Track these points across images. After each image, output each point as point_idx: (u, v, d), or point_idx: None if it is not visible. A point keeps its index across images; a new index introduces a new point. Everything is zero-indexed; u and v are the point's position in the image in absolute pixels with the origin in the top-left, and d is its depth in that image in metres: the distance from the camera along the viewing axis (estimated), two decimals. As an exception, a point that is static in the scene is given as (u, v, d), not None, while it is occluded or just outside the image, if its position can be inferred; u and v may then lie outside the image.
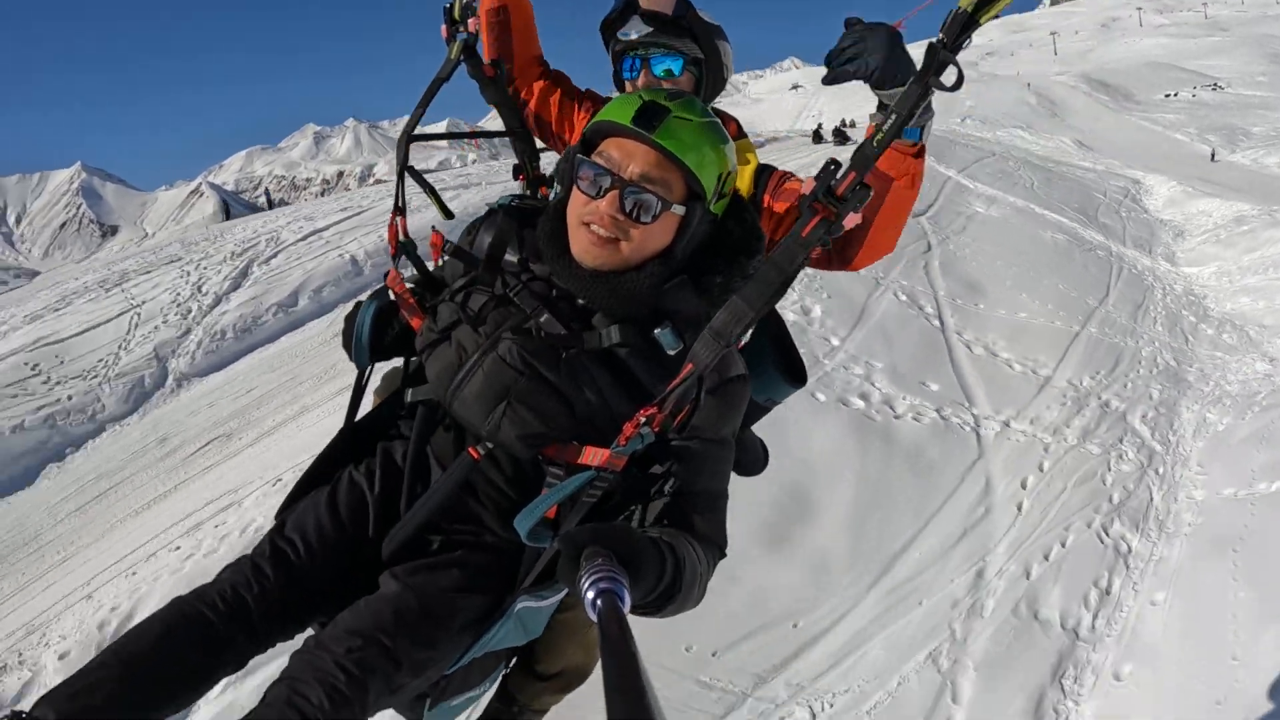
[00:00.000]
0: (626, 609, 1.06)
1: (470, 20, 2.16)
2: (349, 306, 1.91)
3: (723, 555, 1.60)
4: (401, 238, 1.96)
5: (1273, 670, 4.39)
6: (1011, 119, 31.50)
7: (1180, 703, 4.42)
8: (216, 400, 7.76)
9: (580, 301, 1.63)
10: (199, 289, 9.88)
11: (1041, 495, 6.42)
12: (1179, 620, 5.12)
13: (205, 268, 10.48)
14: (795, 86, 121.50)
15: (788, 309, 8.40)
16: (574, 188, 1.61)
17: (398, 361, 2.02)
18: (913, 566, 5.41)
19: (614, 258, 1.58)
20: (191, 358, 8.51)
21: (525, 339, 1.59)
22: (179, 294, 9.75)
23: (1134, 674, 4.75)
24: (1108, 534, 6.12)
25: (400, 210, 1.99)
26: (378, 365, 1.96)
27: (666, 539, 1.39)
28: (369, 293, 1.85)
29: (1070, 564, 5.68)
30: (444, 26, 2.19)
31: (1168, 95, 55.94)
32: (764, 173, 2.23)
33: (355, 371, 1.96)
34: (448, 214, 2.23)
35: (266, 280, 10.13)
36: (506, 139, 2.40)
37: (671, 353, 1.57)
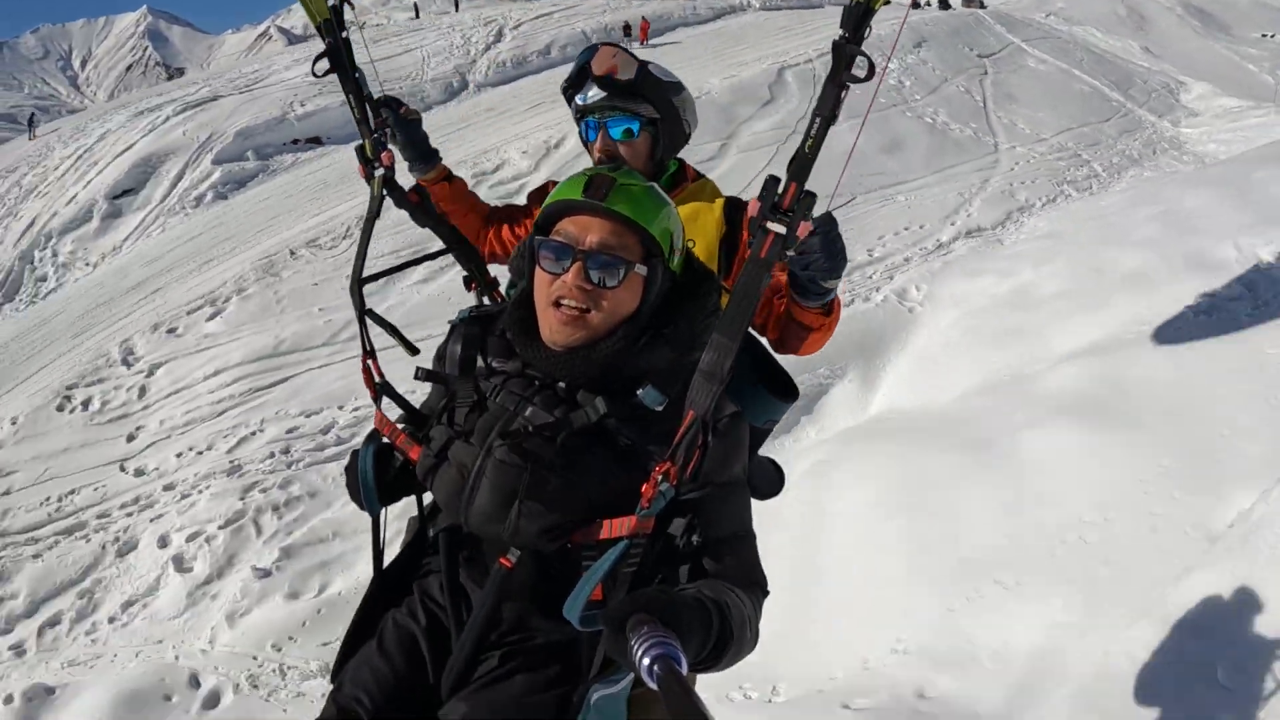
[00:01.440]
0: (684, 669, 1.08)
1: (384, 154, 2.17)
2: (347, 458, 1.87)
3: (765, 593, 1.61)
4: (377, 379, 1.96)
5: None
6: (1094, 21, 34.28)
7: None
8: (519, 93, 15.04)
9: (560, 384, 1.64)
10: (469, 40, 16.97)
11: (1027, 171, 13.45)
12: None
13: (463, 33, 17.58)
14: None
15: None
16: (537, 269, 1.63)
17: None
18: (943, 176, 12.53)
19: (584, 331, 1.59)
20: (484, 74, 15.69)
21: (516, 437, 1.58)
22: (454, 43, 16.91)
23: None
24: (1059, 186, 13.16)
25: (370, 353, 1.99)
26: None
27: (707, 591, 1.41)
28: (364, 439, 1.84)
29: (1033, 185, 12.75)
30: (360, 167, 2.22)
31: (1264, 35, 58.91)
32: (736, 209, 2.24)
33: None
34: (412, 350, 2.24)
35: (522, 38, 17.21)
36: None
37: (658, 409, 1.58)
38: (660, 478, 1.49)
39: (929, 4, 33.44)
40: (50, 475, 9.37)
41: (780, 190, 1.55)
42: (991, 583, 4.15)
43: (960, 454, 5.24)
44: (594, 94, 2.23)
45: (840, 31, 1.54)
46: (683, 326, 1.67)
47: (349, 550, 6.67)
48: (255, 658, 6.25)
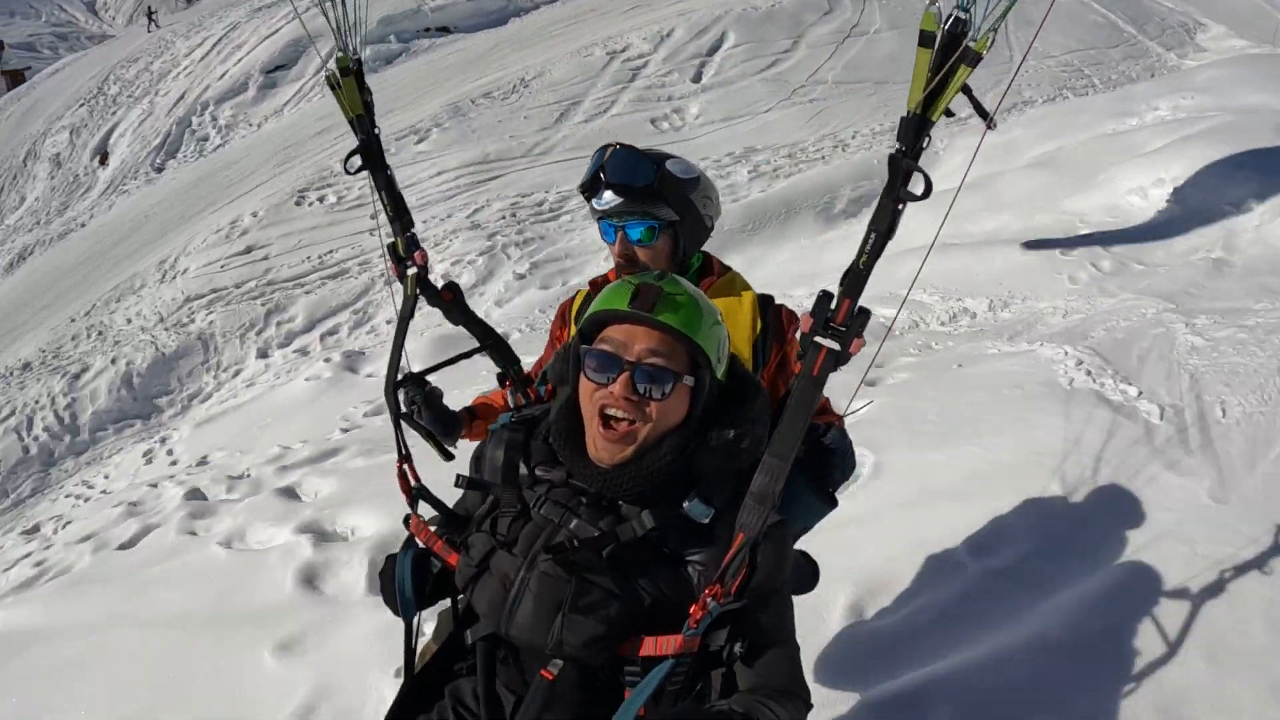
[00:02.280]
0: None
1: (416, 253, 2.17)
2: (380, 562, 1.93)
3: (808, 706, 1.61)
4: (413, 484, 1.98)
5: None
6: None
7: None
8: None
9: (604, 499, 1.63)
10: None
11: (1034, 77, 17.26)
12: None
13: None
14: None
15: None
16: (582, 377, 1.62)
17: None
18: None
19: (631, 447, 1.58)
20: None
21: (562, 551, 1.58)
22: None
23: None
24: (1060, 91, 16.98)
25: (405, 457, 2.00)
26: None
27: (738, 709, 1.43)
28: (401, 544, 1.86)
29: (1037, 88, 16.62)
30: (392, 265, 2.21)
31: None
32: (766, 305, 2.27)
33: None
34: (447, 456, 2.23)
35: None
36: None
37: (704, 521, 1.58)
38: (709, 599, 1.51)
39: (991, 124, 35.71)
40: (305, 244, 13.45)
41: (834, 306, 1.55)
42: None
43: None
44: (609, 199, 2.20)
45: (897, 145, 1.49)
46: (729, 435, 1.63)
47: (581, 262, 10.83)
48: (520, 329, 10.02)
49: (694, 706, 1.53)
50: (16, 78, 56.09)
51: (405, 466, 2.00)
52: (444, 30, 22.41)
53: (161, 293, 14.45)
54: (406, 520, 1.85)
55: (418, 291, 2.19)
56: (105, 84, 29.43)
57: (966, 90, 1.51)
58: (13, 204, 28.16)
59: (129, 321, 14.17)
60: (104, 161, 25.92)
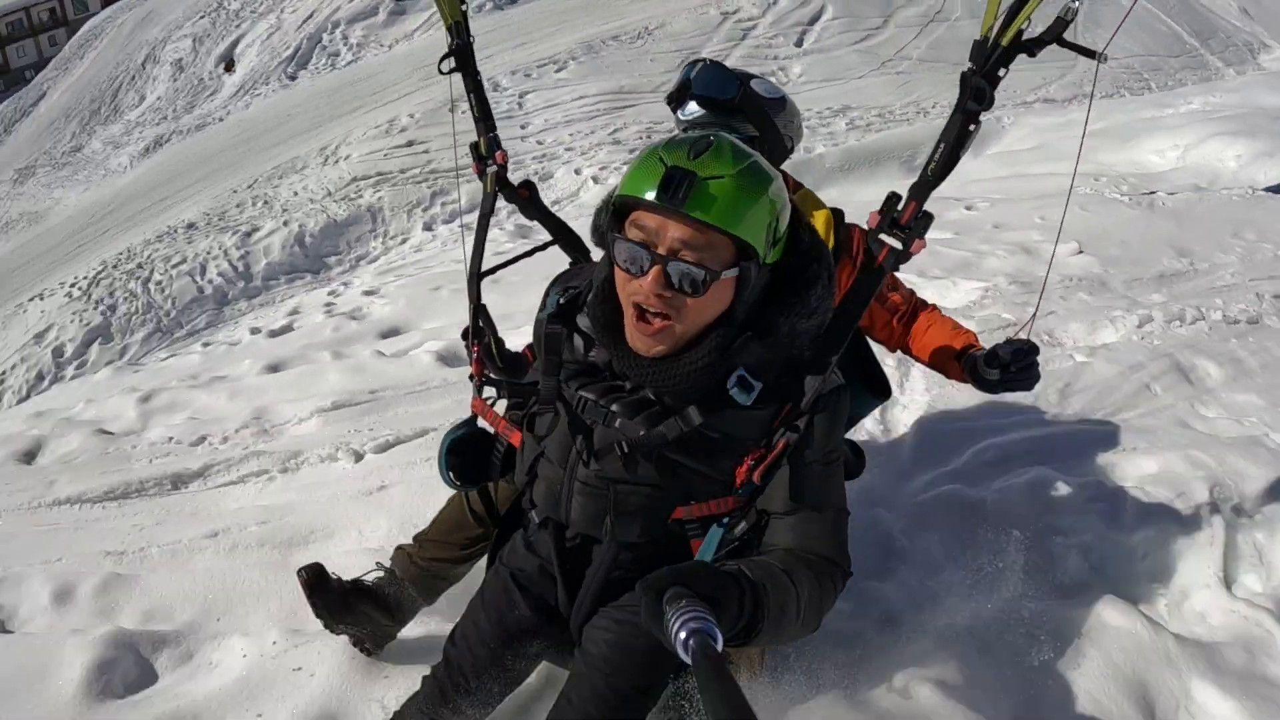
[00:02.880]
0: (719, 646, 1.10)
1: (497, 153, 2.24)
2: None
3: (846, 574, 1.61)
4: (491, 375, 2.05)
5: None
6: None
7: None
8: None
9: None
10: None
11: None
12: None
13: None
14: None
15: None
16: (614, 267, 1.53)
17: None
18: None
19: (668, 343, 1.52)
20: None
21: (602, 458, 1.61)
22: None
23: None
24: (1117, 89, 19.41)
25: (479, 341, 2.06)
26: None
27: (749, 570, 1.40)
28: (462, 422, 1.98)
29: (1097, 84, 19.14)
30: (474, 164, 2.28)
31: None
32: (840, 225, 2.29)
33: None
34: (498, 368, 2.21)
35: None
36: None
37: (747, 405, 1.55)
38: (753, 463, 1.57)
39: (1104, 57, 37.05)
40: (462, 143, 15.96)
41: (900, 207, 1.62)
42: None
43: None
44: (692, 110, 2.29)
45: (969, 64, 1.59)
46: (782, 327, 1.57)
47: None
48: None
49: (704, 563, 1.48)
50: (115, -11, 59.47)
51: (478, 352, 2.00)
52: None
53: (326, 173, 17.20)
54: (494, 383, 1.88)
55: (496, 189, 2.25)
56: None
57: (1064, 43, 1.58)
58: (132, 102, 31.13)
59: (295, 194, 16.87)
60: (229, 69, 28.68)
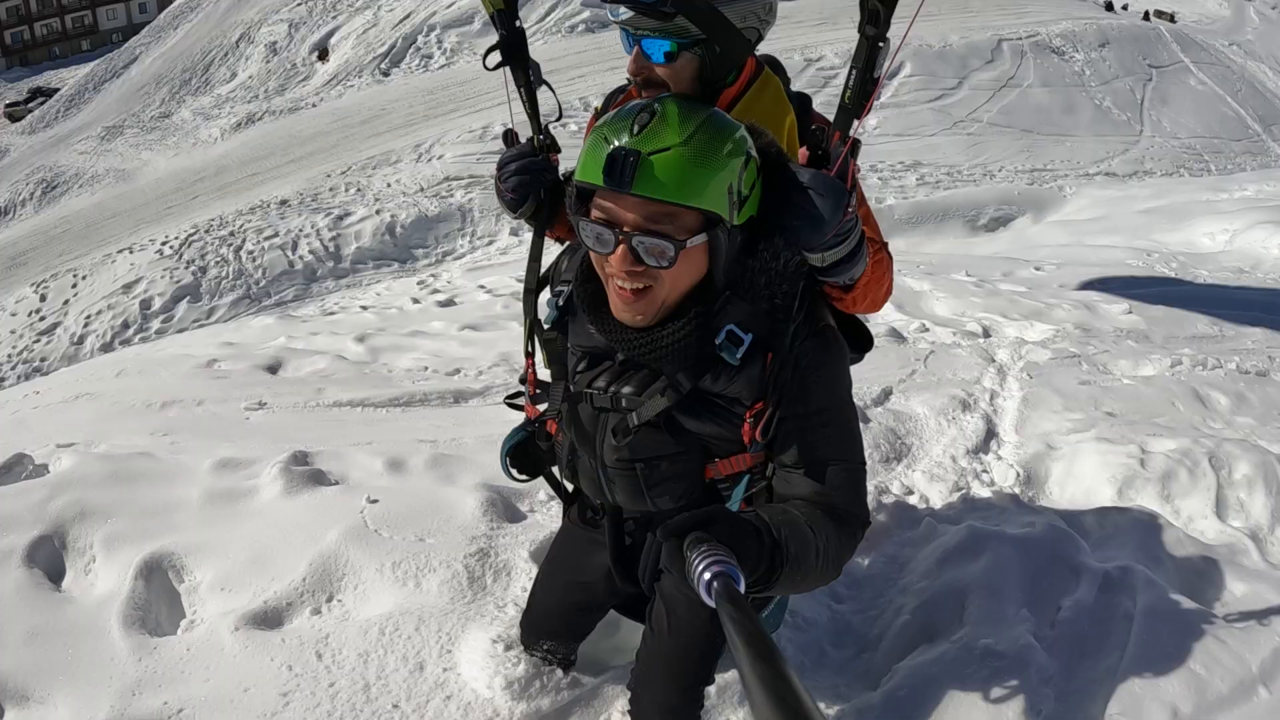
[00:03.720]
0: (741, 588, 1.13)
1: (553, 156, 2.04)
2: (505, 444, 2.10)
3: (864, 524, 1.65)
4: (535, 381, 2.02)
5: None
6: (1274, 61, 37.15)
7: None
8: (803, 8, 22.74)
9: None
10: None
11: (1157, 152, 20.80)
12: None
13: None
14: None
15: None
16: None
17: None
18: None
19: (648, 311, 1.53)
20: None
21: (619, 438, 1.68)
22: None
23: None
24: (1177, 168, 20.53)
25: (531, 355, 2.01)
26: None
27: (768, 516, 1.43)
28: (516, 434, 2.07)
29: (1158, 161, 20.23)
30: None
31: None
32: (807, 112, 2.07)
33: None
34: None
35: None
36: None
37: (736, 362, 1.56)
38: (753, 418, 1.60)
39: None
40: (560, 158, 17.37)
41: (823, 139, 1.59)
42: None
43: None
44: (623, 13, 1.89)
45: None
46: (758, 277, 1.55)
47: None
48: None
49: (723, 508, 1.41)
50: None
51: (530, 364, 2.00)
52: None
53: (420, 169, 18.56)
54: (521, 406, 2.04)
55: (545, 198, 1.99)
56: (326, -12, 33.62)
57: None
58: (223, 77, 32.87)
59: (388, 185, 18.18)
60: (323, 58, 30.36)
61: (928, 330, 5.96)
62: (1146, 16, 37.07)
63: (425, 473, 3.31)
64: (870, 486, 3.33)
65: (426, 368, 4.95)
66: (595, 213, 1.50)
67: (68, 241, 19.17)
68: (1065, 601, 2.52)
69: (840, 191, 1.56)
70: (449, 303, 7.66)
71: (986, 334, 5.86)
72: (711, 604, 1.09)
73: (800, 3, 27.85)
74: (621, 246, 1.47)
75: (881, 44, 1.54)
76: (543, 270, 1.99)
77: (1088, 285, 7.67)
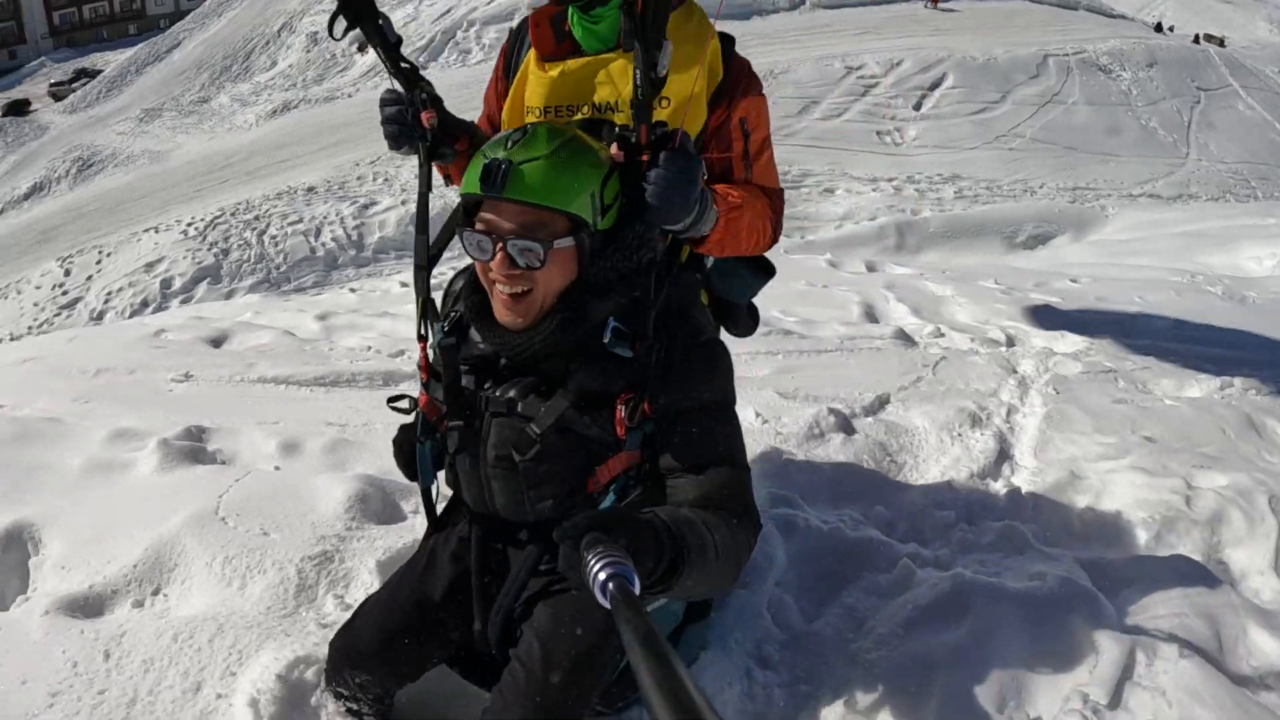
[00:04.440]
0: (637, 590, 1.12)
1: (423, 114, 1.88)
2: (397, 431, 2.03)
3: (757, 527, 1.66)
4: (434, 368, 1.90)
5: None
6: None
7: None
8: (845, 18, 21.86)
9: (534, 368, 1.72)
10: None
11: (1203, 176, 19.98)
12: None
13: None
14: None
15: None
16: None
17: None
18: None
19: (527, 315, 1.63)
20: None
21: (502, 435, 1.72)
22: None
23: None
24: (1223, 193, 19.67)
25: (424, 339, 1.92)
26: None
27: (664, 515, 1.42)
28: (416, 423, 1.94)
29: (1204, 185, 19.36)
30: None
31: None
32: (730, 58, 1.97)
33: None
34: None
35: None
36: None
37: (628, 355, 1.64)
38: (623, 409, 1.63)
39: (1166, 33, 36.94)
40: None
41: (631, 135, 1.64)
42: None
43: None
44: None
45: None
46: (622, 279, 1.67)
47: (815, 225, 14.11)
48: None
49: (619, 509, 1.53)
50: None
51: (424, 348, 1.92)
52: (694, 10, 25.91)
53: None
54: (403, 409, 1.94)
55: (430, 162, 1.96)
56: (368, -19, 33.53)
57: None
58: (264, 65, 32.95)
59: (416, 177, 17.72)
60: (362, 50, 30.16)
61: (942, 335, 5.37)
62: (1196, 40, 36.47)
63: (317, 458, 3.15)
64: (838, 516, 2.81)
65: (370, 347, 4.74)
66: (478, 225, 1.62)
67: (97, 219, 19.27)
68: (1071, 686, 1.88)
69: (690, 158, 1.63)
70: (437, 287, 7.14)
71: (1010, 343, 5.29)
72: (607, 605, 1.08)
73: (843, 13, 27.40)
74: (500, 253, 1.58)
75: (659, 47, 1.61)
76: (432, 249, 1.98)
77: (1128, 301, 6.98)
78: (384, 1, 31.72)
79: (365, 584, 2.30)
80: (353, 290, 8.03)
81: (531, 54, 2.02)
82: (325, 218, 16.20)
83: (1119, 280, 8.38)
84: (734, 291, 2.25)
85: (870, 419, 3.63)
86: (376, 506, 2.66)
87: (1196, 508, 2.93)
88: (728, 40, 1.99)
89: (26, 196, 23.80)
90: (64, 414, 3.50)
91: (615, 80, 1.91)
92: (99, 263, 14.87)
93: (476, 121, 2.20)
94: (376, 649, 1.86)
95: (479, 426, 1.77)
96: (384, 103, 1.93)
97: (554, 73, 1.96)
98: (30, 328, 13.28)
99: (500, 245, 1.58)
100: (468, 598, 1.86)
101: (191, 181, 21.76)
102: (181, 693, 1.92)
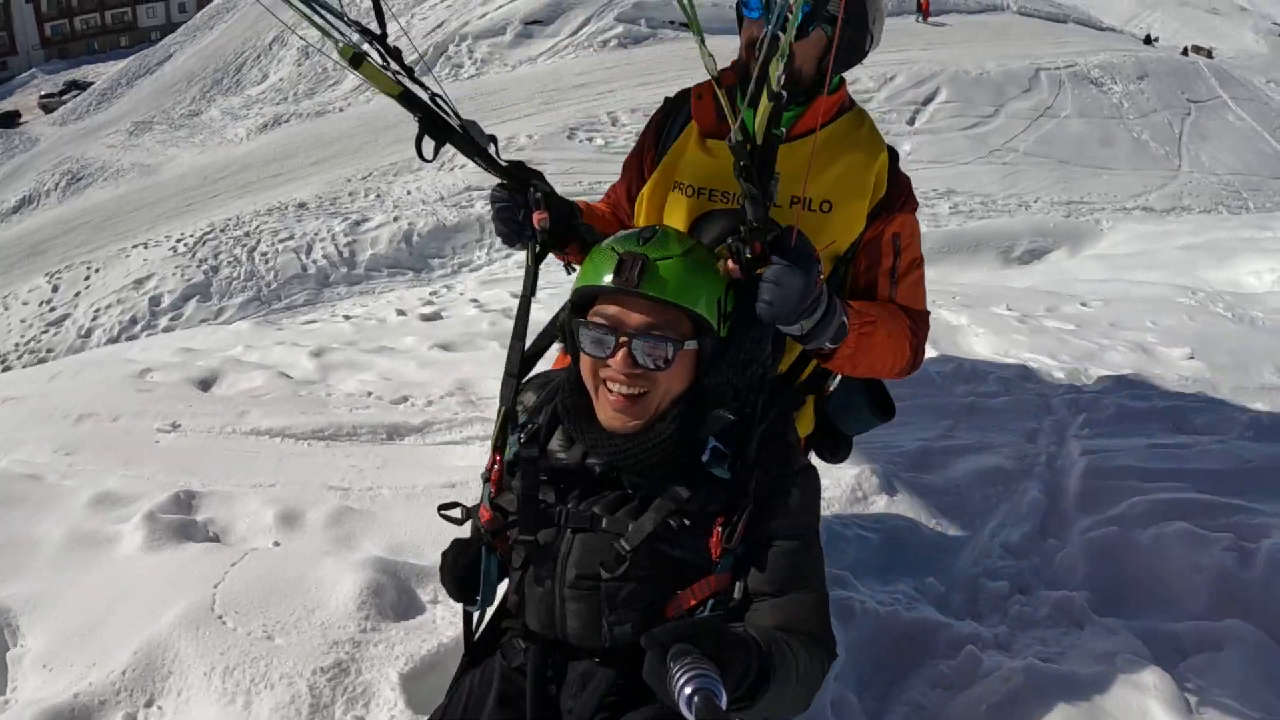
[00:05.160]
0: (723, 704, 1.09)
1: (535, 215, 1.79)
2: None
3: (832, 655, 1.59)
4: (495, 471, 1.77)
5: None
6: None
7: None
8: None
9: (626, 486, 1.62)
10: None
11: (1196, 188, 19.90)
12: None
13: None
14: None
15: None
16: (581, 354, 1.60)
17: None
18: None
19: (640, 418, 1.56)
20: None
21: (587, 552, 1.60)
22: None
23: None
24: (1216, 205, 19.56)
25: (500, 450, 1.76)
26: None
27: (752, 631, 1.40)
28: (460, 538, 1.80)
29: (1196, 198, 19.29)
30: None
31: None
32: (895, 173, 1.93)
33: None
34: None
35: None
36: None
37: (725, 477, 1.57)
38: (721, 529, 1.54)
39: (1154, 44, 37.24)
40: (575, 170, 16.76)
41: (744, 248, 1.54)
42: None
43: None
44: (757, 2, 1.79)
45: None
46: (725, 389, 1.61)
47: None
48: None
49: (709, 619, 1.48)
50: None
51: (498, 461, 1.77)
52: (686, 25, 25.84)
53: (441, 177, 18.02)
54: (454, 519, 1.76)
55: (537, 265, 1.85)
56: (359, -5, 33.33)
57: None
58: (255, 78, 32.67)
59: (408, 193, 17.70)
60: (355, 63, 29.90)
61: (965, 373, 5.12)
62: (1185, 52, 36.65)
63: (320, 532, 2.88)
64: (891, 594, 2.64)
65: (370, 393, 4.41)
66: (596, 319, 1.55)
67: (87, 233, 19.05)
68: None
69: (807, 258, 1.53)
70: (434, 316, 6.95)
71: (1035, 379, 5.03)
72: (691, 718, 1.05)
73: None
74: (622, 350, 1.52)
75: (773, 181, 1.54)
76: (528, 348, 1.85)
77: (1140, 325, 6.82)
78: (368, 16, 31.76)
79: (388, 701, 2.06)
80: (347, 318, 7.80)
81: (693, 129, 1.96)
82: (316, 234, 15.96)
83: (1127, 300, 8.22)
84: (849, 424, 2.19)
85: (910, 474, 3.47)
86: (391, 598, 2.42)
87: (1250, 568, 2.76)
88: (893, 155, 1.94)
89: (15, 209, 23.50)
90: (45, 469, 3.30)
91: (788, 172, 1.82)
92: (87, 279, 14.59)
93: (609, 192, 2.21)
94: None
95: (557, 544, 1.64)
96: (495, 199, 1.84)
97: (714, 153, 1.90)
98: (17, 345, 13.07)
99: (624, 342, 1.52)
100: None
101: (182, 195, 21.51)
102: None
